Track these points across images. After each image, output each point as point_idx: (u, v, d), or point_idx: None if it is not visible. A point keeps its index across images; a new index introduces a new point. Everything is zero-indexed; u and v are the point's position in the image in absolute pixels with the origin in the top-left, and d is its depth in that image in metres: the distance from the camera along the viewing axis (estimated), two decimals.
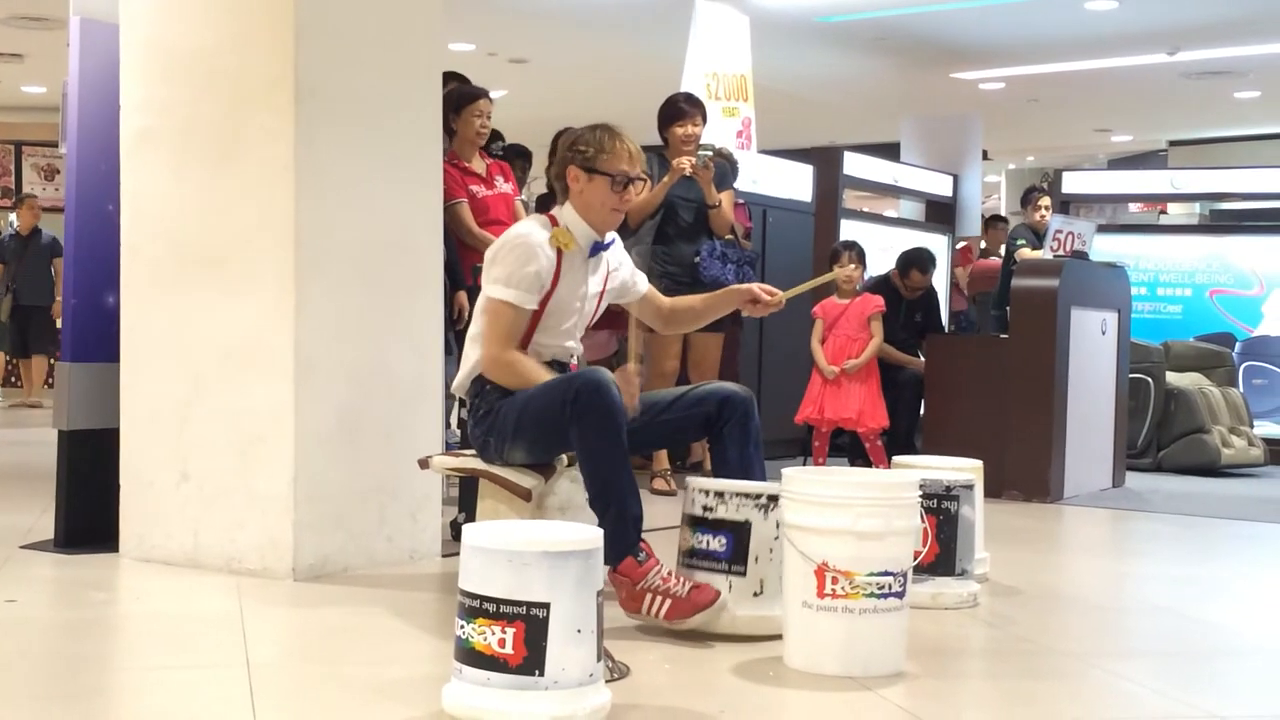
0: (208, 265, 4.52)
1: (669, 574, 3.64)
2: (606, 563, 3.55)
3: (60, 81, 5.07)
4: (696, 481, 3.77)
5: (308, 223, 4.37)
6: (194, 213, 4.55)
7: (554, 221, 3.98)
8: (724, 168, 6.84)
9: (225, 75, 4.49)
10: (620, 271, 4.18)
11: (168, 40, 4.64)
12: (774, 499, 3.61)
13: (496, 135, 6.59)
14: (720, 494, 3.68)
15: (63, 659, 3.46)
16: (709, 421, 3.98)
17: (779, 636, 3.49)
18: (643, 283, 4.29)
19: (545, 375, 3.90)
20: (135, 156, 4.70)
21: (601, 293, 4.12)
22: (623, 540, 3.61)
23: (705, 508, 3.70)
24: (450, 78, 5.84)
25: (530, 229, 3.96)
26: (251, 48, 4.44)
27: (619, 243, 4.21)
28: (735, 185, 6.95)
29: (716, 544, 3.66)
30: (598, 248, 4.03)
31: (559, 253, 3.92)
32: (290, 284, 4.34)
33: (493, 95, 6.03)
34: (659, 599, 3.59)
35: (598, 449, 3.65)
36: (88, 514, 4.81)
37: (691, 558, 3.72)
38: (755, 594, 3.65)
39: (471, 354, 4.00)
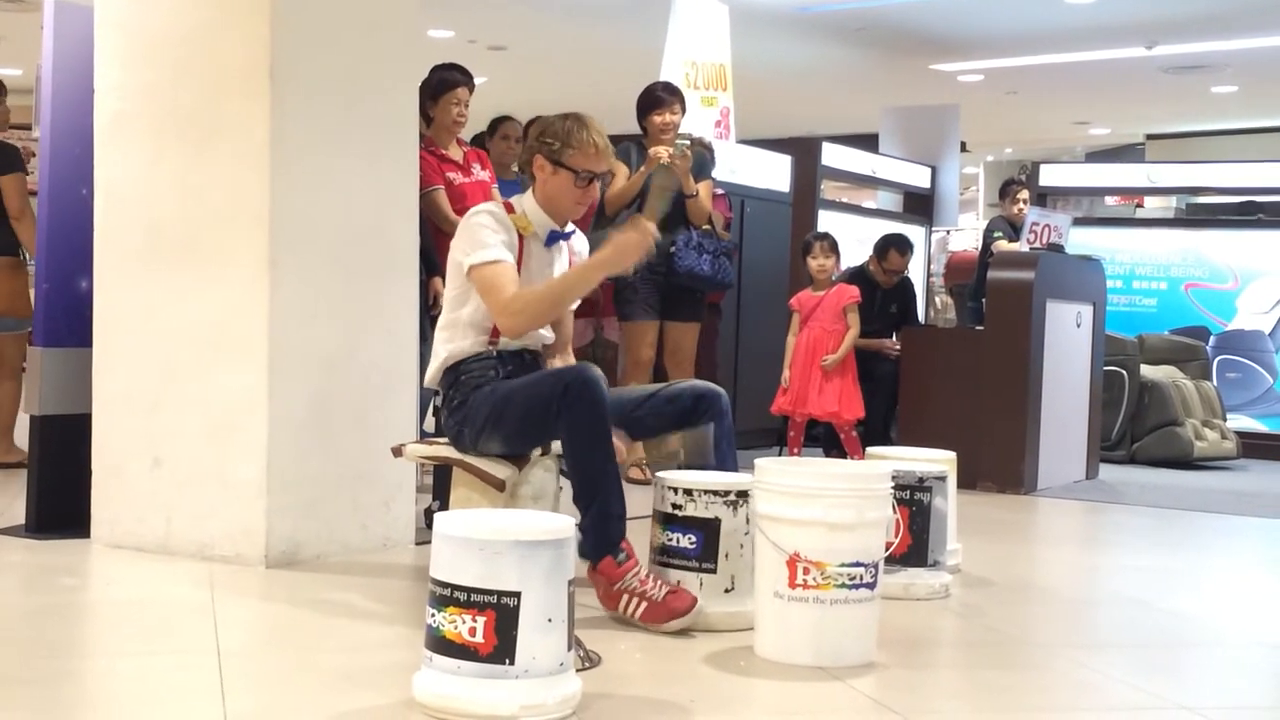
0: (182, 250, 4.50)
1: (647, 576, 3.64)
2: (586, 558, 3.57)
3: (35, 64, 5.04)
4: (666, 478, 3.77)
5: (282, 208, 4.35)
6: (168, 197, 4.53)
7: (510, 209, 3.98)
8: (702, 157, 6.83)
9: (200, 59, 4.47)
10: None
11: (142, 23, 4.61)
12: (742, 495, 3.62)
13: None
14: (689, 491, 3.68)
15: (32, 644, 3.44)
16: (683, 417, 3.98)
17: (750, 630, 3.49)
18: None
19: (556, 283, 3.91)
20: (109, 141, 4.68)
21: None
22: (604, 539, 3.62)
23: (675, 505, 3.70)
24: (448, 68, 5.83)
25: (487, 206, 3.99)
26: (227, 32, 4.42)
27: (582, 236, 4.20)
28: (714, 175, 6.95)
29: (686, 542, 3.67)
30: (555, 236, 4.03)
31: (520, 235, 3.93)
32: (264, 269, 4.32)
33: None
34: (635, 600, 3.59)
35: (585, 445, 3.65)
36: (59, 499, 4.79)
37: (663, 555, 3.73)
38: (726, 590, 3.66)
39: (442, 346, 3.99)
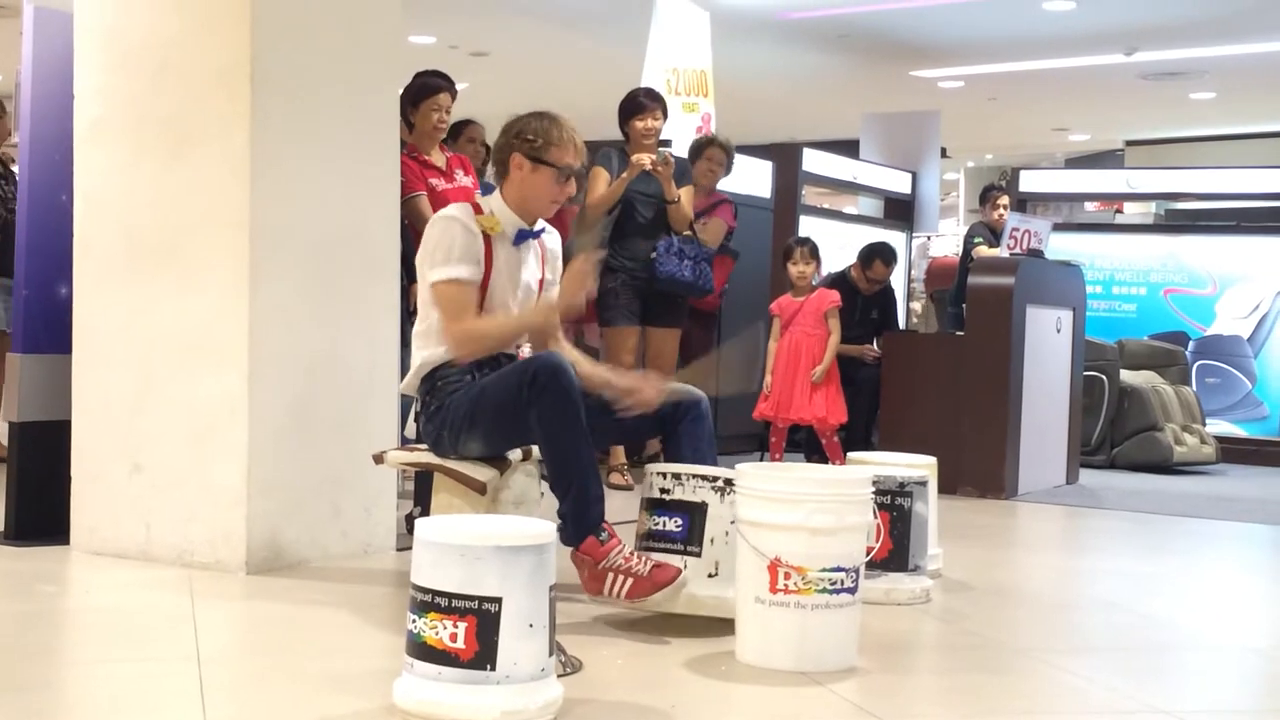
0: (161, 256, 4.49)
1: (631, 553, 3.64)
2: (569, 543, 3.57)
3: (14, 70, 5.02)
4: (655, 466, 3.79)
5: (262, 213, 4.34)
6: (148, 203, 4.52)
7: (478, 209, 3.98)
8: (684, 164, 6.84)
9: (180, 64, 4.46)
10: (555, 267, 4.18)
11: (122, 28, 4.60)
12: (730, 483, 3.62)
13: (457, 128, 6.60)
14: (677, 476, 3.71)
15: (10, 651, 3.42)
16: (663, 420, 3.98)
17: (728, 632, 3.50)
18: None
19: (511, 320, 3.94)
20: (89, 146, 4.66)
21: (541, 280, 4.11)
22: (584, 520, 3.62)
23: (663, 490, 3.72)
24: (430, 74, 5.84)
25: (452, 211, 3.98)
26: (207, 36, 4.41)
27: (554, 234, 4.20)
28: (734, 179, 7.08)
29: (672, 525, 3.68)
30: (524, 235, 4.02)
31: (486, 236, 3.92)
32: (244, 275, 4.31)
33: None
34: (620, 578, 3.59)
35: (556, 430, 3.65)
36: (38, 506, 4.77)
37: (648, 540, 3.73)
38: (710, 575, 3.65)
39: (417, 353, 3.99)
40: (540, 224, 4.09)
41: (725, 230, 7.11)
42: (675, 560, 3.65)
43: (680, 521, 3.68)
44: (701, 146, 7.21)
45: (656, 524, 3.72)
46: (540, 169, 3.93)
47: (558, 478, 3.69)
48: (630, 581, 3.58)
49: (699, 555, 3.66)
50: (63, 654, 3.58)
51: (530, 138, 3.94)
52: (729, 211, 7.21)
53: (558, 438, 3.66)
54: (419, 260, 3.99)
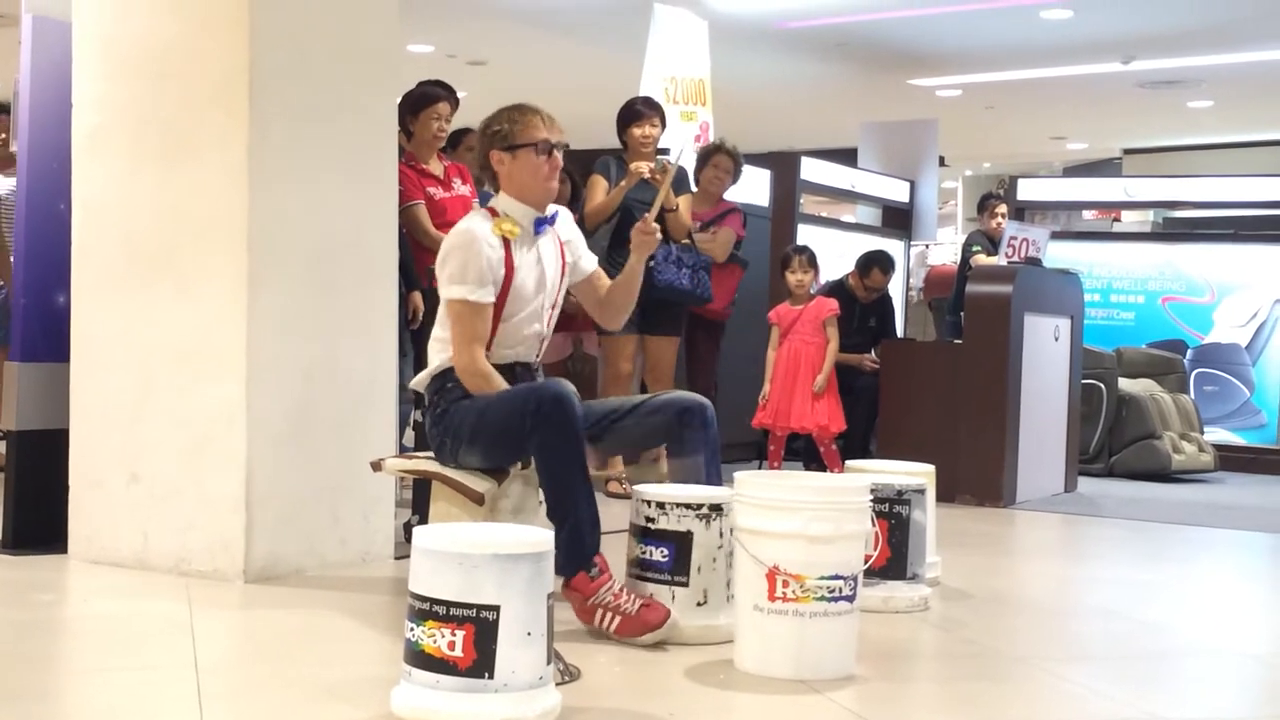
0: (160, 264, 4.49)
1: (620, 590, 3.65)
2: (560, 573, 3.56)
3: (13, 79, 5.02)
4: (641, 491, 3.78)
5: (261, 221, 4.34)
6: (146, 211, 4.52)
7: (493, 213, 3.98)
8: (682, 172, 6.84)
9: (178, 72, 4.46)
10: (574, 244, 4.19)
11: (121, 37, 4.60)
12: (716, 509, 3.63)
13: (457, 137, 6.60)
14: (662, 505, 3.69)
15: (7, 659, 3.42)
16: (668, 430, 3.98)
17: (726, 644, 3.50)
18: (588, 262, 4.26)
19: (506, 390, 3.91)
20: (87, 155, 4.67)
21: (562, 267, 4.11)
22: (578, 554, 3.62)
23: (648, 518, 3.71)
24: (430, 84, 5.84)
25: (471, 223, 3.97)
26: (205, 45, 4.41)
27: (567, 216, 4.21)
28: (733, 188, 7.15)
29: (659, 555, 3.68)
30: (541, 224, 4.03)
31: (506, 242, 3.92)
32: (243, 283, 4.31)
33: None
34: (610, 614, 3.60)
35: (556, 461, 3.65)
36: (36, 515, 4.76)
37: (637, 568, 3.74)
38: (699, 604, 3.66)
39: (434, 356, 4.00)
40: (552, 209, 4.10)
41: (734, 240, 7.10)
42: (664, 591, 3.66)
43: (666, 551, 3.68)
44: (709, 153, 7.20)
45: (644, 553, 3.72)
46: (519, 153, 3.97)
47: (555, 507, 3.69)
48: (619, 620, 3.59)
49: (686, 585, 3.66)
50: (60, 662, 3.58)
51: (497, 129, 4.00)
52: (738, 221, 7.19)
53: (557, 468, 3.67)
54: (437, 265, 3.99)
